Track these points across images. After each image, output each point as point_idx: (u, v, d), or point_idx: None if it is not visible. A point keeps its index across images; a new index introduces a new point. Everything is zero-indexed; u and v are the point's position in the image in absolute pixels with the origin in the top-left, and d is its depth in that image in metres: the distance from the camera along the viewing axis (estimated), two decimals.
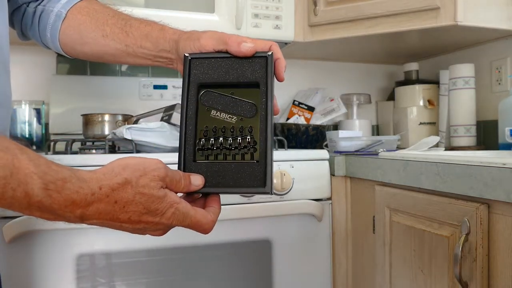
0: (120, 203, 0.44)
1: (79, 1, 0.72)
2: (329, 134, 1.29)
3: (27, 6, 0.73)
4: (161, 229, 0.49)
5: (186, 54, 0.57)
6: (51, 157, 0.92)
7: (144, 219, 0.47)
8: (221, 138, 0.52)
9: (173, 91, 1.49)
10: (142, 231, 0.49)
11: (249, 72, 0.55)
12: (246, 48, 0.55)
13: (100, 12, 0.70)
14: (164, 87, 1.48)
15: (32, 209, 0.41)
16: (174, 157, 0.84)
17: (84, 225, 0.47)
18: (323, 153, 1.11)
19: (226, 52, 0.56)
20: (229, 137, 0.52)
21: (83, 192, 0.42)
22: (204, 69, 0.56)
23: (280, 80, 0.58)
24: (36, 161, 0.40)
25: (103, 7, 0.72)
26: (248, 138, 0.52)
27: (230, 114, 0.54)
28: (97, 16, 0.70)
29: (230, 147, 0.52)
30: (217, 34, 0.58)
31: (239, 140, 0.52)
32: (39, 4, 0.72)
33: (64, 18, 0.70)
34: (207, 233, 0.52)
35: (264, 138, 0.51)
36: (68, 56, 0.75)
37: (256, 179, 0.50)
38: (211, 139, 0.53)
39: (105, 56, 0.70)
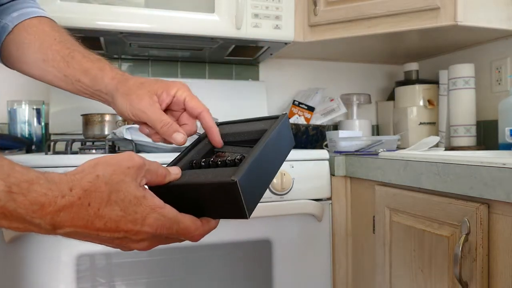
0: (94, 205, 0.40)
1: (29, 18, 0.70)
2: (329, 134, 1.29)
3: None
4: (146, 240, 0.45)
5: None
6: (51, 157, 0.92)
7: (123, 226, 0.42)
8: (212, 158, 0.54)
9: None
10: (122, 242, 0.44)
11: (260, 127, 0.60)
12: (178, 139, 0.59)
13: (48, 34, 0.68)
14: None
15: None
16: (173, 157, 0.84)
17: None
18: (323, 153, 1.11)
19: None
20: (219, 158, 0.54)
21: (52, 194, 0.38)
22: (221, 130, 0.61)
23: (218, 145, 0.60)
24: None
25: (52, 30, 0.69)
26: (237, 158, 0.51)
27: (230, 152, 0.58)
28: (42, 37, 0.68)
29: (218, 162, 0.53)
30: (151, 110, 0.59)
31: (228, 157, 0.52)
32: None
33: (10, 33, 0.68)
34: (195, 240, 0.48)
35: (252, 153, 0.51)
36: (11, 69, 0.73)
37: (228, 174, 0.46)
38: (203, 159, 0.55)
39: (43, 79, 0.69)
